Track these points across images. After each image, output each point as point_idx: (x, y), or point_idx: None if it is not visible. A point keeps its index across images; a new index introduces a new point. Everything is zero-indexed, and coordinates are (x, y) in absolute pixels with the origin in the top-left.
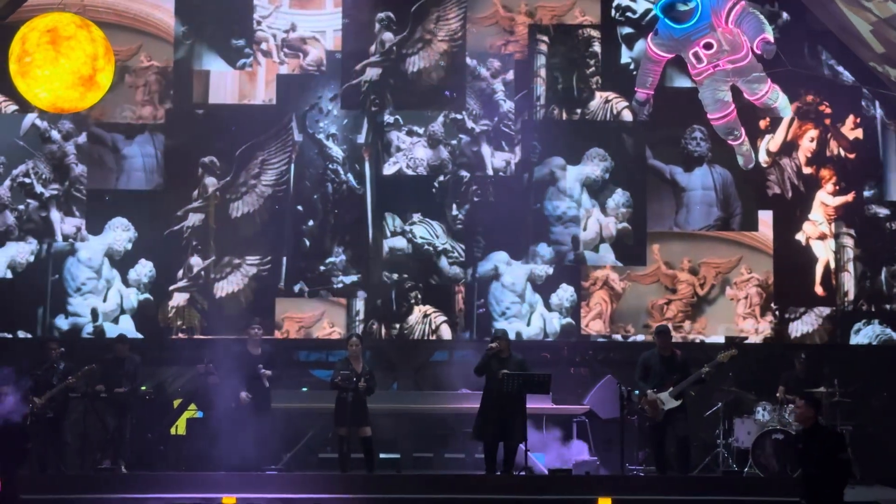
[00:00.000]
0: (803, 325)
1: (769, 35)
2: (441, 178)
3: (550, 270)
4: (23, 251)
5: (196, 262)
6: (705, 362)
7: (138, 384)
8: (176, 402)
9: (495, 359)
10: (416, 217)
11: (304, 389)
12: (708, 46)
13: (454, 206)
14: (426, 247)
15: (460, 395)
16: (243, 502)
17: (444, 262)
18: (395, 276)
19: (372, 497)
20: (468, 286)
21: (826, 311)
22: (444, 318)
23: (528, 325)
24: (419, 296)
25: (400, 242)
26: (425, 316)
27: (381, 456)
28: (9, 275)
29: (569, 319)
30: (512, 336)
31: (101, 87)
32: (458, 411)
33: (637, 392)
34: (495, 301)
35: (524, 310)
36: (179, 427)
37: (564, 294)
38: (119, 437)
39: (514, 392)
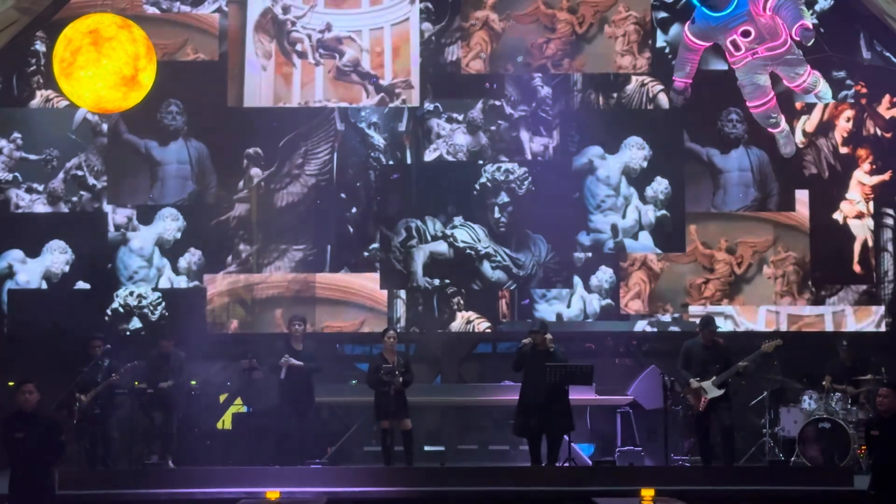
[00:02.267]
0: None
1: (808, 21)
2: (482, 179)
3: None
4: (58, 262)
5: (245, 248)
6: (750, 352)
7: (184, 379)
8: (222, 397)
9: (532, 352)
10: (458, 220)
11: (354, 382)
12: (746, 34)
13: (496, 208)
14: (468, 251)
15: (504, 388)
16: (288, 496)
17: (486, 266)
18: (437, 281)
19: (416, 490)
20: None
21: (863, 287)
22: (487, 324)
23: (569, 306)
24: (461, 301)
25: (441, 247)
26: (468, 322)
27: (426, 448)
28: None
29: (608, 300)
30: (552, 318)
31: (144, 87)
32: (502, 403)
33: (681, 382)
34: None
35: (564, 291)
36: (225, 422)
37: (604, 276)
38: (166, 433)
39: (557, 383)
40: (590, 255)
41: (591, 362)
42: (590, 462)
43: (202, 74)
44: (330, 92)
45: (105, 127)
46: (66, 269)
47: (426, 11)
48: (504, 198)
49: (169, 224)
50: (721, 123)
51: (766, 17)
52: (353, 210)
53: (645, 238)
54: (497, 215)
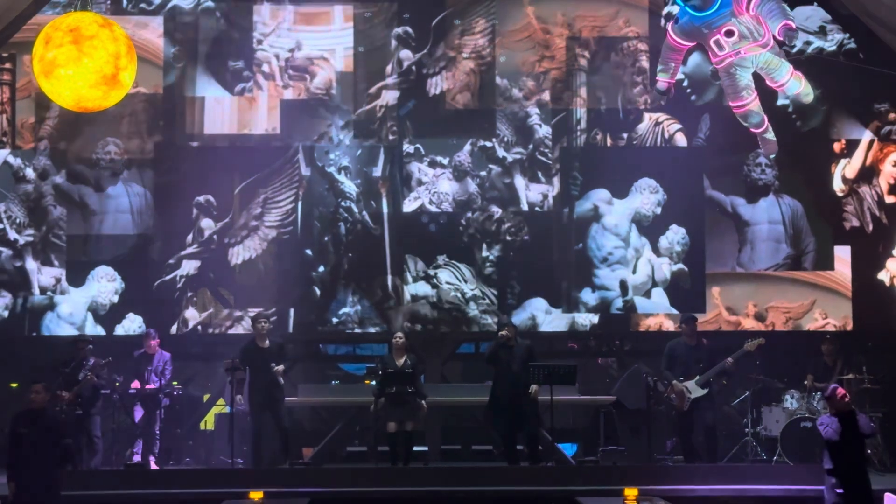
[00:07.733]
0: None
1: (791, 21)
2: (469, 214)
3: (595, 319)
4: None
5: (192, 315)
6: (733, 350)
7: (168, 380)
8: (205, 397)
9: (503, 347)
10: (441, 260)
11: (335, 383)
12: (729, 34)
13: (484, 246)
14: (453, 293)
15: (487, 387)
16: (270, 496)
17: (473, 309)
18: (419, 326)
19: (399, 490)
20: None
21: None
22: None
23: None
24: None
25: (423, 288)
26: None
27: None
28: None
29: None
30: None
31: (124, 86)
32: (486, 403)
33: (664, 381)
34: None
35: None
36: (208, 422)
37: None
38: (148, 433)
39: (539, 383)
40: (595, 320)
41: (574, 362)
42: (573, 461)
43: (144, 110)
44: (301, 120)
45: (30, 172)
46: (6, 314)
47: (405, 37)
48: (496, 252)
49: (104, 285)
50: (748, 168)
51: (750, 17)
52: (321, 269)
53: (659, 296)
54: (485, 253)
